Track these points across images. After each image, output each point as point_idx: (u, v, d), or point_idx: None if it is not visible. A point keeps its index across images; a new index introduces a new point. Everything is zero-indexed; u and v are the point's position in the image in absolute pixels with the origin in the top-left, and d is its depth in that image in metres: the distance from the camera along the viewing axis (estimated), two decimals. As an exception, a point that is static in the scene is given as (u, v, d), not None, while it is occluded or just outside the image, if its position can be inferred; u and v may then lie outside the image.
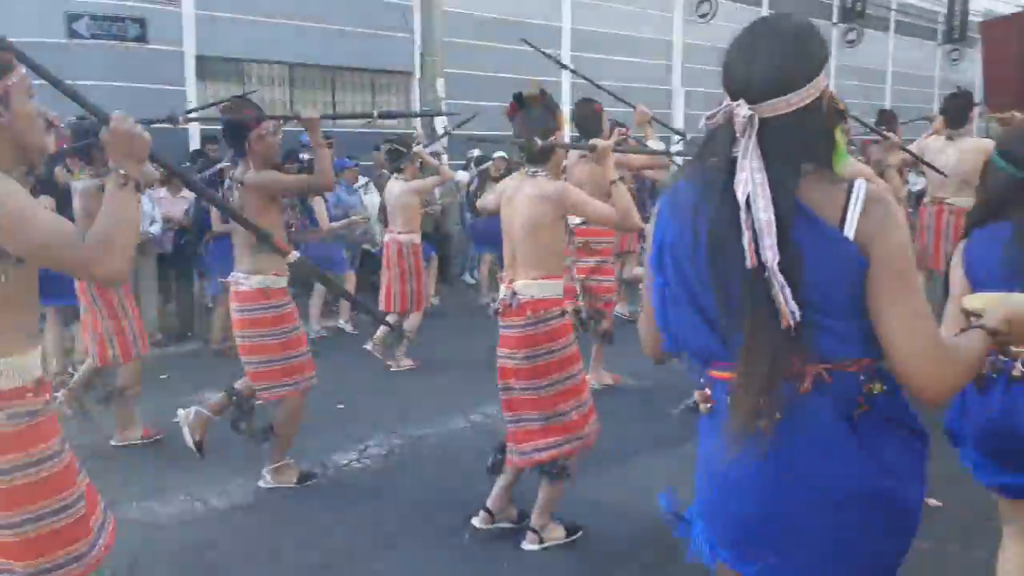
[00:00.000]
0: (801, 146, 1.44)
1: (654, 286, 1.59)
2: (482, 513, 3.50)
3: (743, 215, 1.38)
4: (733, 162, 1.43)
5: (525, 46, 5.58)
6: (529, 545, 3.39)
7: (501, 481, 3.51)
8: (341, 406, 5.35)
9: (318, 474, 4.27)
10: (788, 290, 1.36)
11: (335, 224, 7.53)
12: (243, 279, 3.89)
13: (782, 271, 1.36)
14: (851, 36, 19.38)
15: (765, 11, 17.41)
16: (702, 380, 1.61)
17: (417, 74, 11.31)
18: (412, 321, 6.46)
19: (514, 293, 3.26)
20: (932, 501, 3.53)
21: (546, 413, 3.27)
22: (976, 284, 2.24)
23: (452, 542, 3.48)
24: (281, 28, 10.33)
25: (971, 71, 23.36)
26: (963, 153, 5.54)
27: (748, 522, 1.51)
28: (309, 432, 4.41)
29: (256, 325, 3.90)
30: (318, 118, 3.77)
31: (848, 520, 1.45)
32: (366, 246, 8.85)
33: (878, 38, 20.41)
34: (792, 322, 1.37)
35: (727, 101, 1.46)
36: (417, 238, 6.51)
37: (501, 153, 9.18)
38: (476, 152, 10.18)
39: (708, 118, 1.49)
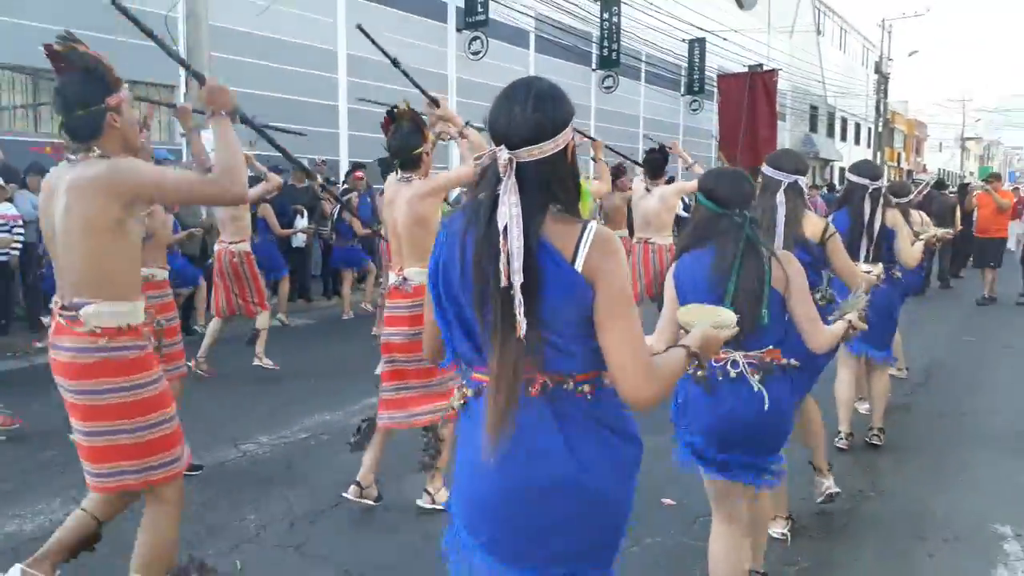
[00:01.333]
0: (548, 187, 1.70)
1: (432, 300, 1.80)
2: (352, 487, 3.86)
3: (502, 241, 1.61)
4: (497, 197, 1.66)
5: (297, 66, 5.65)
6: (422, 502, 3.88)
7: (369, 455, 3.90)
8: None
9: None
10: (523, 306, 1.61)
11: (176, 236, 7.12)
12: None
13: (523, 291, 1.61)
14: (608, 82, 21.16)
15: (532, 52, 18.56)
16: (464, 381, 1.83)
17: (182, 88, 10.80)
18: (263, 318, 6.76)
19: (404, 279, 3.78)
20: (667, 500, 4.05)
21: (426, 381, 3.76)
22: (683, 298, 2.66)
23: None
24: (23, 29, 9.42)
25: (708, 120, 26.44)
26: (661, 199, 6.55)
27: (481, 502, 1.75)
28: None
29: None
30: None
31: (551, 507, 1.70)
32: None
33: (632, 86, 22.42)
34: (521, 333, 1.61)
35: (492, 146, 1.70)
36: (247, 246, 6.60)
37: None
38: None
39: (476, 159, 1.74)
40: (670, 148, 6.76)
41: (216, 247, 6.67)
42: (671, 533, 3.75)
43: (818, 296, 3.47)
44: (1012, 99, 72.14)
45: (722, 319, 2.07)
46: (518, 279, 1.60)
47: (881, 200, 4.56)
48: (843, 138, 41.81)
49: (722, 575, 2.79)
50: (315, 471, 4.52)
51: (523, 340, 1.62)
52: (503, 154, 1.65)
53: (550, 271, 1.64)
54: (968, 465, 4.80)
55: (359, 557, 3.48)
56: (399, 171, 3.85)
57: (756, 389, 2.63)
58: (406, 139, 3.80)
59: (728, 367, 2.65)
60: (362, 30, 4.15)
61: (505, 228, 1.61)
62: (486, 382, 1.71)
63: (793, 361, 2.73)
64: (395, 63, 4.10)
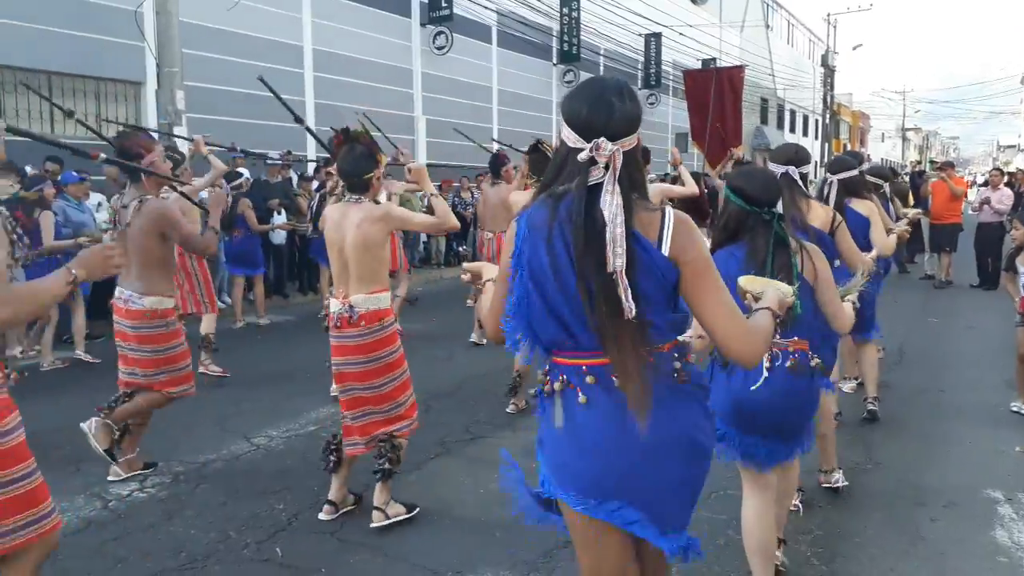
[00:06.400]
0: (633, 177, 1.83)
1: (514, 288, 1.88)
2: (326, 507, 3.81)
3: (609, 229, 1.72)
4: (589, 188, 1.77)
5: (265, 61, 5.75)
6: (377, 523, 3.69)
7: (338, 477, 3.84)
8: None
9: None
10: (629, 290, 1.73)
11: (60, 243, 6.92)
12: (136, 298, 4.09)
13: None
14: (569, 77, 21.35)
15: (494, 47, 18.65)
16: (546, 366, 1.94)
17: (152, 84, 10.65)
18: (209, 322, 6.56)
19: (352, 307, 3.61)
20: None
21: (386, 406, 3.70)
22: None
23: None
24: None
25: (664, 114, 26.87)
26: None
27: (614, 475, 1.85)
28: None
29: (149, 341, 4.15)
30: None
31: (675, 461, 1.86)
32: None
33: (591, 80, 22.63)
34: (631, 315, 1.74)
35: (576, 139, 1.79)
36: None
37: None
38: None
39: (573, 154, 1.80)
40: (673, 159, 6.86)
41: None
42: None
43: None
44: (948, 91, 74.43)
45: (783, 287, 2.19)
46: (622, 264, 1.72)
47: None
48: (792, 130, 42.78)
49: (756, 541, 2.95)
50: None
51: (633, 321, 1.74)
52: (608, 146, 1.75)
53: (641, 258, 1.77)
54: (951, 437, 5.07)
55: (397, 540, 3.58)
56: (346, 192, 3.70)
57: (765, 374, 2.71)
58: (359, 163, 3.62)
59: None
60: (263, 81, 4.11)
61: (611, 217, 1.72)
62: (594, 365, 1.82)
63: (817, 358, 2.89)
64: (299, 120, 4.15)
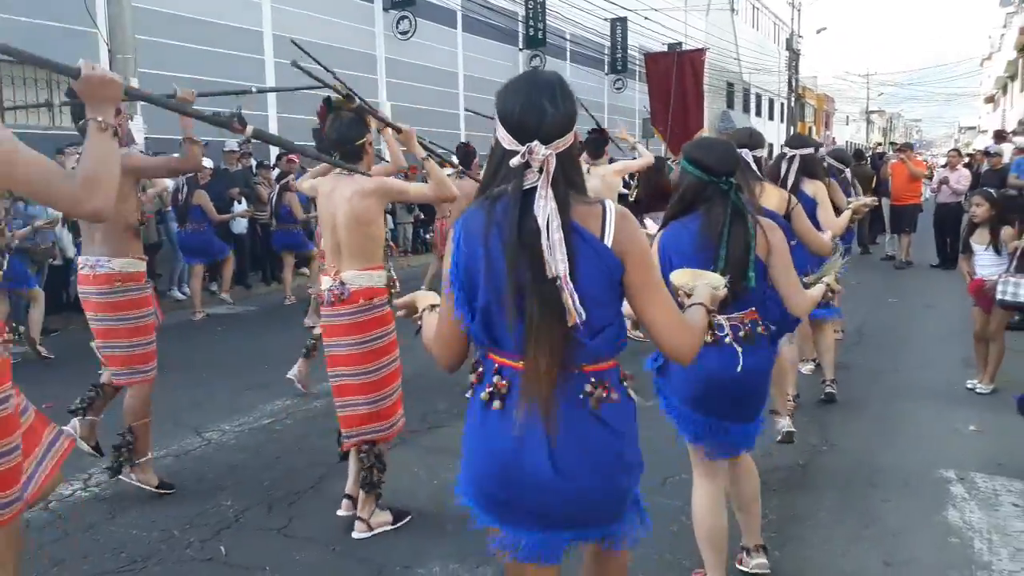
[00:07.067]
0: (569, 175, 1.76)
1: (456, 302, 1.81)
2: (345, 501, 3.63)
3: (544, 235, 1.66)
4: (524, 192, 1.71)
5: (223, 47, 5.52)
6: (359, 534, 3.48)
7: (353, 467, 3.62)
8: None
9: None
10: (575, 295, 1.67)
11: (19, 232, 6.75)
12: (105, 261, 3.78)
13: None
14: (535, 62, 21.21)
15: (459, 32, 18.47)
16: (480, 360, 1.86)
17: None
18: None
19: (343, 283, 3.42)
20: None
21: (373, 396, 3.47)
22: (669, 264, 2.69)
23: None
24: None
25: (632, 99, 26.85)
26: (602, 180, 6.51)
27: (533, 488, 1.76)
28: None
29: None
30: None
31: (604, 476, 1.79)
32: (55, 261, 7.97)
33: (558, 65, 22.51)
34: (578, 320, 1.68)
35: (511, 142, 1.72)
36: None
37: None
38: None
39: (508, 156, 1.72)
40: (619, 133, 6.85)
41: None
42: (643, 494, 3.86)
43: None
44: (911, 74, 75.50)
45: (712, 280, 2.17)
46: (564, 268, 1.66)
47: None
48: (758, 113, 43.01)
49: (706, 529, 2.92)
50: (287, 455, 4.50)
51: (570, 329, 1.68)
52: (542, 150, 1.69)
53: (583, 251, 1.71)
54: (907, 417, 5.11)
55: (344, 536, 3.50)
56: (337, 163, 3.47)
57: (731, 346, 2.72)
58: (347, 129, 3.47)
59: (713, 330, 2.77)
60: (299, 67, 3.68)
61: (546, 222, 1.66)
62: (512, 367, 1.76)
63: (771, 326, 2.87)
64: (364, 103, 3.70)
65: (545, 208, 1.68)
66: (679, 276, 2.25)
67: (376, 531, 3.51)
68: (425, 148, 3.83)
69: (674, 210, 2.84)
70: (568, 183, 1.75)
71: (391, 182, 3.62)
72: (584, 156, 6.86)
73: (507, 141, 1.74)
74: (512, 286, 1.70)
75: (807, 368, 5.97)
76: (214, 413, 5.28)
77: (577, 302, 1.67)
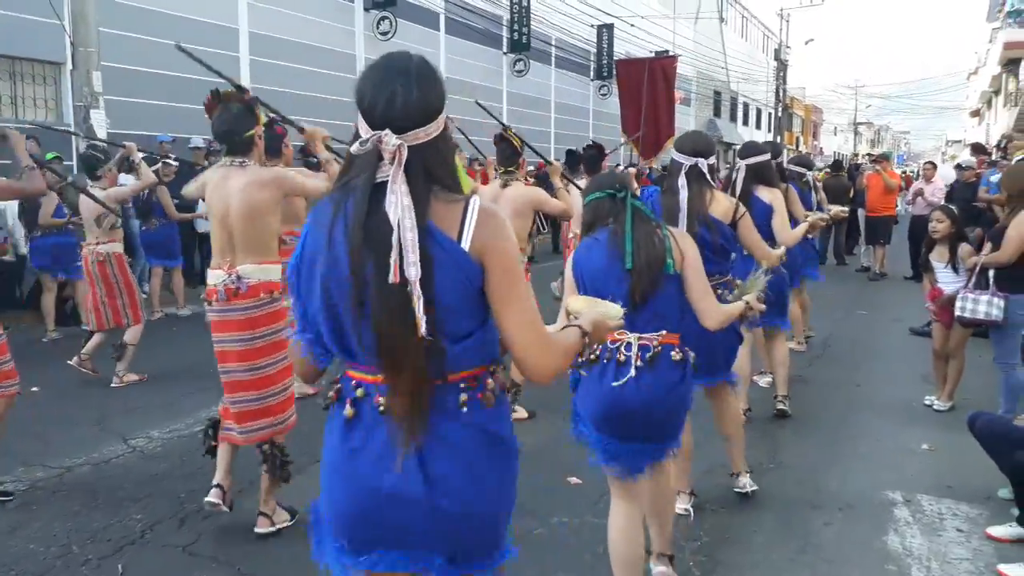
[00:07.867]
0: (433, 171, 1.58)
1: (293, 296, 1.66)
2: (214, 490, 3.51)
3: (395, 234, 1.48)
4: (376, 186, 1.54)
5: (196, 44, 5.33)
6: (261, 529, 3.45)
7: (223, 459, 3.56)
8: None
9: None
10: (422, 302, 1.49)
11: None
12: None
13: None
14: (520, 66, 21.08)
15: (442, 34, 18.31)
16: (339, 377, 1.69)
17: (69, 65, 10.17)
18: (133, 333, 6.08)
19: (239, 277, 3.31)
20: (573, 479, 4.03)
21: (262, 393, 3.39)
22: (582, 280, 2.72)
23: None
24: None
25: (617, 105, 26.75)
26: (512, 203, 6.11)
27: (403, 507, 1.60)
28: None
29: None
30: None
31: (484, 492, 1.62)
32: (6, 257, 7.79)
33: (543, 70, 22.40)
34: (422, 332, 1.50)
35: (366, 129, 1.55)
36: (119, 247, 6.05)
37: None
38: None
39: (353, 145, 1.56)
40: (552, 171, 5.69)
41: (83, 250, 6.08)
42: (577, 512, 3.73)
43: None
44: (899, 87, 75.91)
45: (608, 311, 2.05)
46: (416, 273, 1.48)
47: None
48: (745, 123, 43.06)
49: (621, 553, 2.77)
50: (210, 464, 4.30)
51: (423, 339, 1.50)
52: (391, 140, 1.52)
53: (437, 255, 1.53)
54: (861, 434, 4.97)
55: (251, 557, 3.31)
56: (226, 155, 3.40)
57: (633, 373, 2.61)
58: (236, 121, 3.36)
59: (621, 349, 2.63)
60: (182, 49, 3.53)
61: (398, 220, 1.48)
62: (371, 382, 1.60)
63: (689, 352, 2.73)
64: (238, 87, 3.52)
65: (396, 204, 1.49)
66: (576, 302, 2.16)
67: (279, 527, 3.47)
68: (330, 150, 3.69)
69: (585, 229, 2.83)
70: (430, 178, 1.57)
71: (289, 174, 3.54)
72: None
73: (363, 129, 1.57)
74: (357, 290, 1.52)
75: (765, 381, 5.82)
76: (146, 418, 5.08)
77: (421, 311, 1.48)
